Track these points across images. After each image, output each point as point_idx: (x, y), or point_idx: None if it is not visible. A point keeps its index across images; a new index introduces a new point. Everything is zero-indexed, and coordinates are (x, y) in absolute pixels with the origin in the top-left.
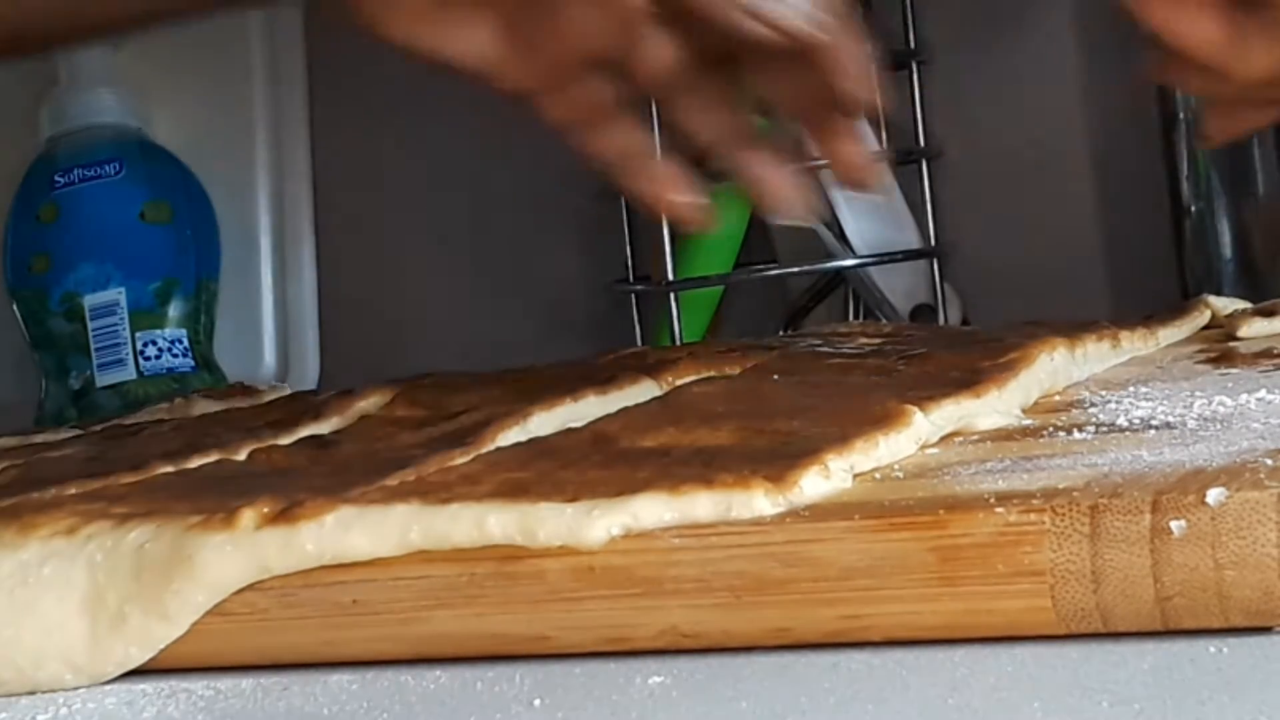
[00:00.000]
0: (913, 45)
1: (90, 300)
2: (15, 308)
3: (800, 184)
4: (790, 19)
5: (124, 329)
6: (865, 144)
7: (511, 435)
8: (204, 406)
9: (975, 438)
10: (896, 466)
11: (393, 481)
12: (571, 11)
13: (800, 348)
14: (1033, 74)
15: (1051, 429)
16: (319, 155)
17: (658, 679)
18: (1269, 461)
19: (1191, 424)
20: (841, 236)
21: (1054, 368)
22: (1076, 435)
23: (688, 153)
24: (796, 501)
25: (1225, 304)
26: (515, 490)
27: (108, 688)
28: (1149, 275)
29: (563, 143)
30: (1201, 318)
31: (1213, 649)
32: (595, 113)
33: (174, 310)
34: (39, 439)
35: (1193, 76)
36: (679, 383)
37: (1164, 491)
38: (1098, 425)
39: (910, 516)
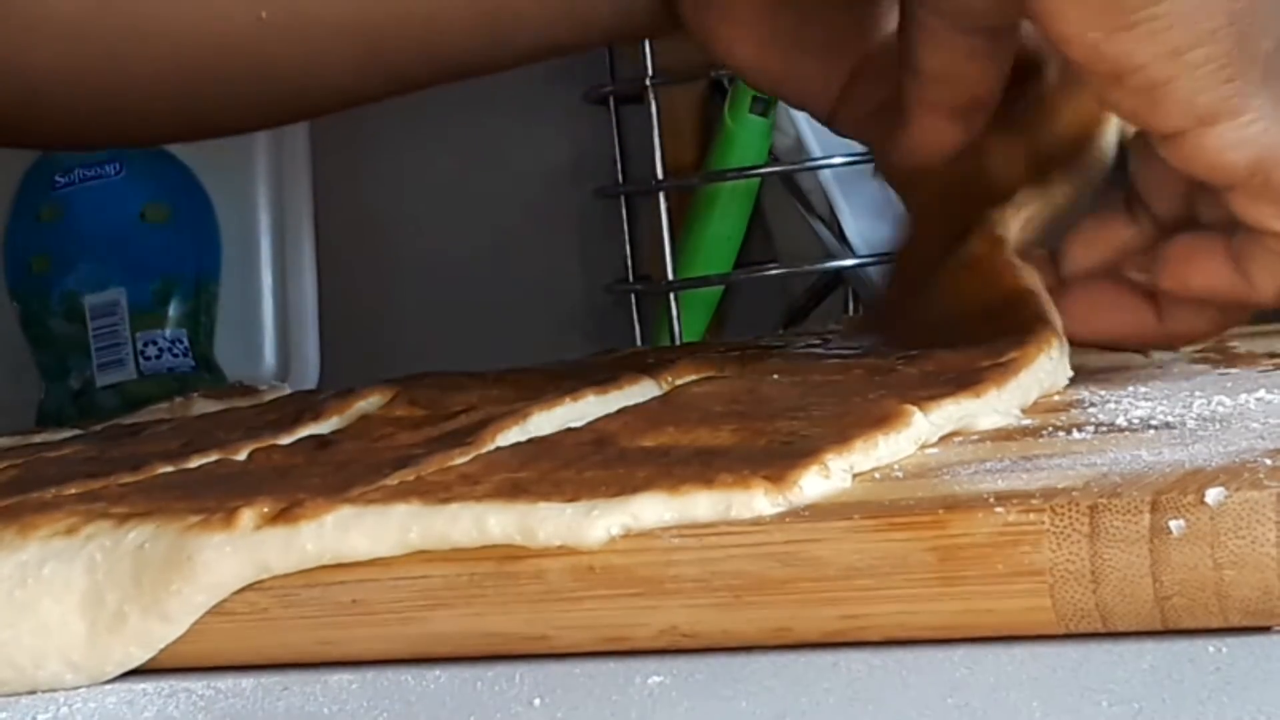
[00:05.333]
0: None
1: (90, 300)
2: (15, 308)
3: None
4: None
5: (124, 329)
6: None
7: (511, 435)
8: (204, 406)
9: (975, 438)
10: (896, 466)
11: (392, 481)
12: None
13: (800, 348)
14: None
15: (1051, 429)
16: (319, 155)
17: (658, 679)
18: (1268, 461)
19: (1191, 424)
20: (841, 236)
21: (1054, 367)
22: (1076, 435)
23: None
24: (796, 501)
25: None
26: (515, 490)
27: (108, 687)
28: None
29: (562, 142)
30: None
31: (1212, 649)
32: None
33: (174, 310)
34: (39, 439)
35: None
36: (679, 383)
37: (1163, 491)
38: (1097, 425)
39: (910, 516)
